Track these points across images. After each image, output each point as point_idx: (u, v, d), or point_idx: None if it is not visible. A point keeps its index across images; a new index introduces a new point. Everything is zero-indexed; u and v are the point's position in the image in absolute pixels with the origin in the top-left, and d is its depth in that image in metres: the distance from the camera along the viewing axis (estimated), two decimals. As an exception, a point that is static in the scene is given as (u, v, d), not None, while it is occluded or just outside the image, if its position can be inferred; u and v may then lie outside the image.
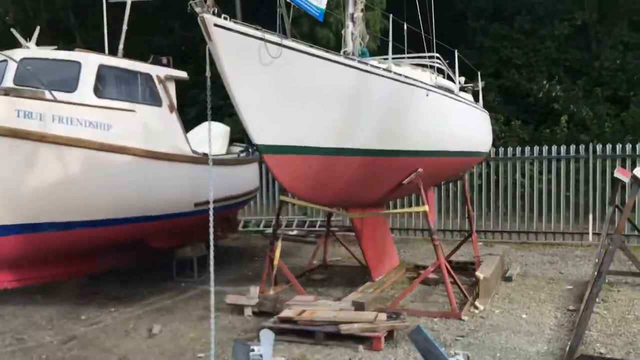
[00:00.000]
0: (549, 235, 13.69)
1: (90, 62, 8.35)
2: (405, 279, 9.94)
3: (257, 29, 5.25)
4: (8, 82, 8.06)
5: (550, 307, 8.15)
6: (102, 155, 7.93)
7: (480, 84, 11.87)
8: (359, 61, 6.34)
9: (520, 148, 14.44)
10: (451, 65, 10.58)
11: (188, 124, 13.55)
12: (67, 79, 8.23)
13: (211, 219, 5.93)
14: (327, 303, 7.59)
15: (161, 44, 22.79)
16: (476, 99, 11.53)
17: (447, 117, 8.21)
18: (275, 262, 8.50)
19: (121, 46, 10.21)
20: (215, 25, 4.93)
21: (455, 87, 9.70)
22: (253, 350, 5.60)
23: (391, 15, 7.41)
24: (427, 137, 7.75)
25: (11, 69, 8.19)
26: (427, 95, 7.30)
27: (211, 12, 4.92)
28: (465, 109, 8.94)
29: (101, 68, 8.42)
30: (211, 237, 5.97)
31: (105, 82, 8.46)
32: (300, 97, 5.79)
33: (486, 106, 22.85)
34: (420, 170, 7.82)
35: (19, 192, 7.28)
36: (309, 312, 7.16)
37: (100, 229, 8.45)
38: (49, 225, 7.80)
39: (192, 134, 13.11)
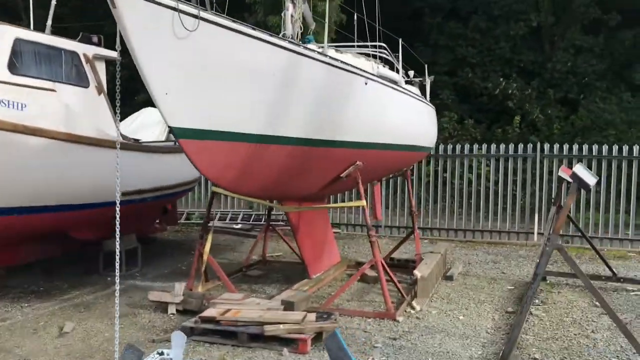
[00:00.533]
0: (494, 234, 13.55)
1: (4, 34, 7.64)
2: (346, 276, 9.57)
3: (170, -2, 4.73)
4: None
5: (489, 308, 7.88)
6: (14, 137, 7.24)
7: (429, 79, 11.60)
8: (289, 42, 5.87)
9: (469, 146, 14.25)
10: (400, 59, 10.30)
11: (137, 109, 12.92)
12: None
13: (118, 210, 5.36)
14: (255, 302, 7.12)
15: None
16: (424, 94, 11.24)
17: (389, 108, 7.83)
18: (205, 257, 7.99)
19: (49, 22, 9.50)
20: (120, -9, 4.40)
21: (399, 78, 9.36)
22: (162, 353, 5.15)
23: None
24: (366, 129, 7.36)
25: None
26: (365, 83, 6.89)
27: (116, -25, 4.39)
28: (409, 102, 8.59)
29: (18, 42, 7.71)
30: (117, 230, 5.40)
31: (22, 57, 7.74)
32: (222, 76, 5.29)
33: (440, 104, 22.89)
34: (359, 163, 7.44)
35: None
36: (233, 311, 6.69)
37: (14, 217, 7.77)
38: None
39: (129, 119, 12.48)
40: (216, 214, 15.77)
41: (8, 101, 7.21)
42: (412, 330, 6.83)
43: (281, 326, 6.26)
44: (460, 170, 14.04)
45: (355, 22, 10.75)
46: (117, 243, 5.44)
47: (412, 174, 14.27)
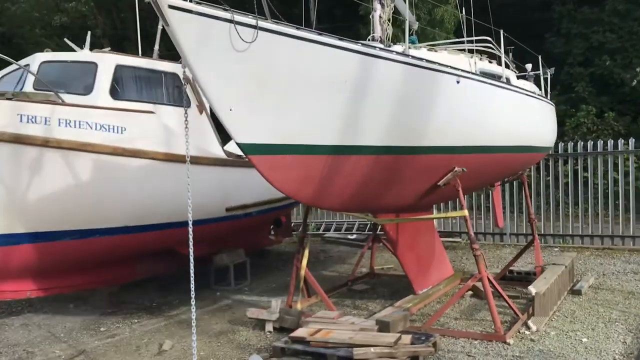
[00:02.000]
0: (638, 240, 11.97)
1: (106, 62, 8.02)
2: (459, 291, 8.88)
3: (225, 9, 4.54)
4: (28, 86, 7.88)
5: (620, 329, 6.85)
6: (115, 160, 7.53)
7: (549, 72, 10.54)
8: (362, 44, 5.46)
9: (612, 141, 12.70)
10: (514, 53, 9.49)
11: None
12: (83, 81, 7.95)
13: (190, 228, 5.28)
14: (349, 321, 6.75)
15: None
16: (544, 89, 10.24)
17: (491, 107, 7.10)
18: (302, 271, 7.76)
19: (156, 47, 9.92)
20: (171, 7, 4.28)
21: (509, 73, 8.55)
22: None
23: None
24: (463, 131, 6.71)
25: (31, 74, 8.00)
26: (457, 82, 6.27)
27: (166, -8, 4.28)
28: (518, 99, 7.75)
29: (118, 69, 8.06)
30: (191, 251, 5.32)
31: (123, 82, 8.09)
32: (288, 87, 5.02)
33: (575, 97, 21.08)
34: (458, 169, 6.81)
35: (26, 199, 7.01)
36: (324, 332, 6.35)
37: (122, 236, 8.09)
38: (65, 233, 7.51)
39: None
40: (332, 224, 15.64)
41: (108, 125, 7.51)
42: (523, 355, 6.07)
43: (371, 349, 5.82)
44: (603, 169, 12.59)
45: (462, 22, 10.07)
46: (190, 265, 5.36)
47: (548, 175, 13.13)
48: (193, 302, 5.22)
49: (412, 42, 9.63)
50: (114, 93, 7.99)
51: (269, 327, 7.38)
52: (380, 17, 7.28)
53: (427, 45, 8.22)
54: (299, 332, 6.41)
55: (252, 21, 4.66)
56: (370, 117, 5.67)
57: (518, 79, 9.25)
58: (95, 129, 7.40)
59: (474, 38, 8.20)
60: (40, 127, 6.92)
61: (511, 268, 9.35)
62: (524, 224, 13.26)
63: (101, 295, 9.48)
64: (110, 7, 28.06)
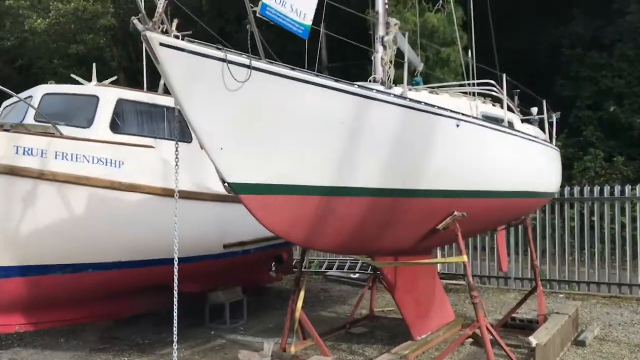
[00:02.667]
0: (647, 289, 11.67)
1: (108, 96, 8.03)
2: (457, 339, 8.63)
3: (218, 48, 4.51)
4: (29, 118, 7.89)
5: (625, 385, 6.59)
6: (112, 194, 7.47)
7: (554, 115, 10.46)
8: (359, 86, 5.41)
9: (619, 187, 12.47)
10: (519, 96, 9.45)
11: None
12: (84, 113, 7.96)
13: (176, 265, 5.17)
14: (341, 367, 6.54)
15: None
16: (549, 133, 10.14)
17: (493, 151, 6.99)
18: (297, 313, 7.56)
19: (162, 82, 9.94)
20: (162, 44, 4.25)
21: (512, 117, 8.47)
22: None
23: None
24: (463, 175, 6.59)
25: (30, 108, 8.02)
26: (457, 125, 6.19)
27: (158, 28, 4.25)
28: (521, 143, 7.65)
29: (120, 102, 8.07)
30: (175, 287, 5.20)
31: (124, 116, 8.08)
32: (281, 127, 4.94)
33: (583, 141, 20.94)
34: (457, 213, 6.67)
35: (19, 232, 6.94)
36: (315, 378, 6.17)
37: (116, 271, 7.96)
38: (57, 267, 7.40)
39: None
40: (334, 262, 15.43)
41: (106, 159, 7.47)
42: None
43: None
44: (610, 213, 12.36)
45: (467, 63, 10.06)
46: (174, 302, 5.22)
47: (554, 218, 12.91)
48: (175, 346, 5.00)
49: (417, 83, 9.62)
50: (115, 127, 7.98)
51: (260, 370, 7.17)
52: (382, 58, 7.24)
53: (428, 87, 8.16)
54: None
55: (246, 60, 4.62)
56: (366, 158, 5.57)
57: (522, 122, 9.16)
58: (93, 162, 7.35)
59: (476, 81, 8.15)
60: (36, 159, 6.89)
61: (514, 315, 9.09)
62: (529, 268, 13.00)
63: (94, 330, 9.34)
64: (126, 39, 28.55)
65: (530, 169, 7.98)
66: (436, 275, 8.84)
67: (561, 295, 12.01)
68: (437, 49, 19.70)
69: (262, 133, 4.90)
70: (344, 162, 5.45)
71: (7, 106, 8.71)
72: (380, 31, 7.39)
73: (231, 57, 4.55)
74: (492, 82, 8.25)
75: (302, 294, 7.66)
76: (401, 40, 8.14)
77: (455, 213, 6.67)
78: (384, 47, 7.29)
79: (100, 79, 9.35)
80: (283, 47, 16.11)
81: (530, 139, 7.81)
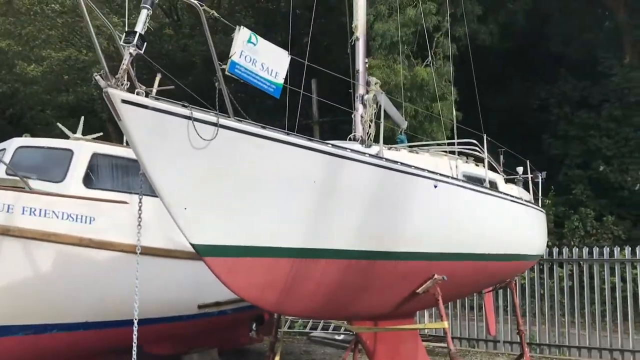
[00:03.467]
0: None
1: (83, 150, 7.87)
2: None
3: (184, 106, 4.36)
4: (1, 172, 7.68)
5: None
6: (81, 251, 7.20)
7: (540, 175, 10.36)
8: (333, 145, 5.25)
9: (608, 249, 12.18)
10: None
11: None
12: (57, 167, 7.76)
13: (135, 325, 4.89)
14: None
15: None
16: (536, 192, 10.01)
17: (472, 213, 6.82)
18: (272, 380, 7.19)
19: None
20: (124, 101, 4.09)
21: (496, 177, 8.34)
22: None
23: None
24: (442, 237, 6.39)
25: (6, 158, 7.84)
26: (435, 186, 6.03)
27: (121, 85, 4.11)
28: (504, 205, 7.49)
29: (95, 157, 7.90)
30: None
31: (98, 171, 7.89)
32: (251, 186, 4.75)
33: (573, 199, 20.85)
34: (437, 277, 6.44)
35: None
36: None
37: (83, 332, 7.60)
38: (18, 328, 7.05)
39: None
40: (319, 322, 14.97)
41: (76, 215, 7.23)
42: None
43: None
44: (601, 273, 12.07)
45: (454, 120, 10.02)
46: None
47: (544, 278, 12.60)
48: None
49: (401, 141, 9.53)
50: (88, 182, 7.78)
51: None
52: (361, 117, 7.15)
53: (409, 146, 8.04)
54: None
55: (213, 118, 4.46)
56: (340, 219, 5.37)
57: (507, 182, 9.03)
58: (62, 218, 7.11)
59: (458, 140, 8.06)
60: (2, 215, 6.64)
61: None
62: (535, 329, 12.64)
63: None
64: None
65: (512, 230, 7.78)
66: (418, 339, 8.49)
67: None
68: (427, 104, 19.85)
69: (229, 193, 4.70)
70: (317, 223, 5.24)
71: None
72: (360, 90, 7.33)
73: (197, 114, 4.39)
74: (473, 141, 8.15)
75: (277, 359, 7.31)
76: (381, 98, 8.09)
77: (436, 276, 6.44)
78: (364, 106, 7.19)
79: (89, 131, 9.20)
80: (275, 101, 16.09)
81: (512, 200, 7.65)
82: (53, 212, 7.03)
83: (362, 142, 6.80)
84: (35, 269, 6.94)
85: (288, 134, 4.91)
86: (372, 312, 6.64)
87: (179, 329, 8.75)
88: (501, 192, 7.59)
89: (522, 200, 8.23)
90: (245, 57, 4.58)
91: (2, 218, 6.64)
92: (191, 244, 4.71)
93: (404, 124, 10.29)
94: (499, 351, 12.70)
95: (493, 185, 8.10)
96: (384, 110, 9.12)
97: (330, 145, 5.18)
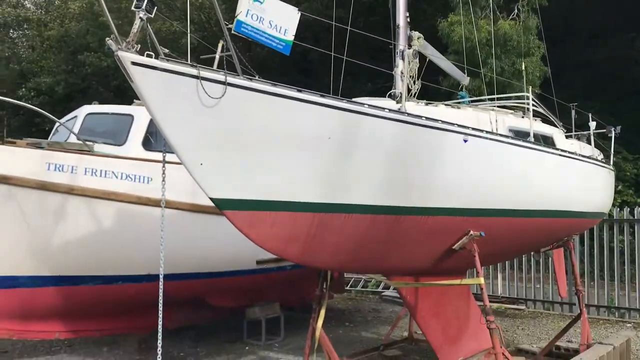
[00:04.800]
0: None
1: (142, 115, 8.37)
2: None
3: (193, 66, 4.57)
4: (72, 137, 8.36)
5: None
6: (140, 209, 7.73)
7: (614, 130, 9.74)
8: (348, 101, 5.27)
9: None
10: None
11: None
12: (119, 132, 8.34)
13: (161, 279, 5.26)
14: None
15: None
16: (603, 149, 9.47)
17: (514, 167, 6.58)
18: (317, 332, 7.43)
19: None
20: (134, 63, 4.36)
21: (552, 132, 7.98)
22: None
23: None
24: (477, 193, 6.24)
25: (77, 125, 8.52)
26: (465, 141, 5.88)
27: (132, 48, 4.37)
28: (551, 159, 7.15)
29: (153, 121, 8.37)
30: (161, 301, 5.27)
31: (157, 134, 8.37)
32: (265, 142, 4.91)
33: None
34: (473, 233, 6.35)
35: (51, 244, 7.33)
36: (315, 398, 6.04)
37: (146, 284, 8.20)
38: (88, 278, 7.75)
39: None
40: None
41: (135, 175, 7.76)
42: None
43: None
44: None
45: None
46: (159, 317, 5.27)
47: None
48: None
49: (462, 97, 9.32)
50: (147, 144, 8.30)
51: (277, 387, 7.13)
52: (401, 72, 7.07)
53: (454, 103, 7.82)
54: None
55: (221, 77, 4.64)
56: (360, 175, 5.41)
57: (568, 138, 8.60)
58: (121, 178, 7.66)
59: (512, 95, 7.75)
60: (67, 176, 7.27)
61: (558, 343, 8.48)
62: (603, 292, 12.14)
63: (134, 342, 9.65)
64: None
65: (563, 186, 7.43)
66: (471, 298, 8.42)
67: (629, 325, 11.07)
68: (512, 60, 19.01)
69: (243, 149, 4.89)
70: (336, 179, 5.33)
71: (58, 126, 9.29)
72: (401, 44, 7.21)
73: (205, 73, 4.59)
74: (528, 94, 7.81)
75: (322, 312, 7.51)
76: (432, 51, 7.94)
77: (472, 232, 6.35)
78: (404, 60, 7.10)
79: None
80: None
81: (562, 155, 7.29)
82: (113, 172, 7.60)
83: (395, 98, 6.73)
84: (98, 225, 7.56)
85: (300, 91, 5.00)
86: (408, 267, 6.67)
87: (239, 283, 9.21)
88: (550, 147, 7.25)
89: (578, 155, 7.81)
90: (252, 15, 4.70)
91: (67, 178, 7.27)
92: (210, 198, 4.96)
93: (465, 80, 10.04)
94: (575, 313, 12.26)
95: (546, 140, 7.77)
96: (441, 66, 8.96)
97: (345, 101, 5.21)
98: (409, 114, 5.59)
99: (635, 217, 11.76)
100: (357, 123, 5.27)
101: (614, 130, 9.77)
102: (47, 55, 32.92)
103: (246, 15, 4.68)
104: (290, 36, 4.92)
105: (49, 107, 26.53)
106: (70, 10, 32.81)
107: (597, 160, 8.65)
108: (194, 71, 4.57)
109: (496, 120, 6.75)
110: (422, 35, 7.38)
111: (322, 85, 7.05)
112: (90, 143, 8.07)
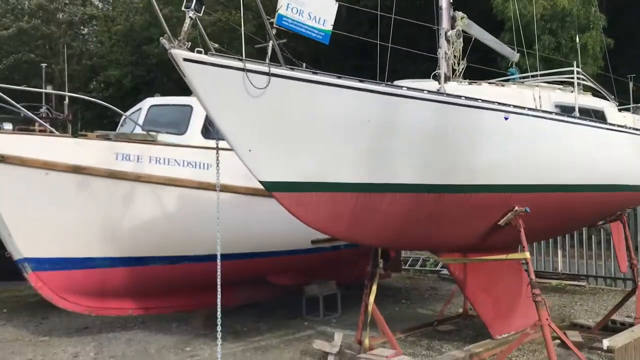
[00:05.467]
0: None
1: (200, 105, 8.85)
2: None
3: (239, 59, 4.93)
4: (137, 127, 8.99)
5: None
6: (201, 193, 8.25)
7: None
8: (386, 84, 5.51)
9: None
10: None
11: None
12: (180, 122, 8.87)
13: (219, 256, 5.69)
14: (399, 360, 6.66)
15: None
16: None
17: (559, 143, 6.64)
18: (370, 307, 7.77)
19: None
20: (185, 59, 4.77)
21: (603, 106, 7.93)
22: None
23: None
24: (519, 169, 6.36)
25: (142, 116, 9.13)
26: (506, 118, 6.01)
27: (183, 45, 4.78)
28: (600, 134, 7.13)
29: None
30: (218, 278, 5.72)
31: (215, 123, 8.86)
32: (307, 128, 5.24)
33: None
34: (518, 209, 6.49)
35: (120, 227, 7.97)
36: (364, 369, 6.41)
37: (209, 263, 8.75)
38: (155, 259, 8.37)
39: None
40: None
41: (195, 162, 8.29)
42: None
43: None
44: None
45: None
46: (217, 299, 5.72)
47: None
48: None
49: (512, 74, 9.35)
50: (206, 133, 8.79)
51: (331, 359, 7.51)
52: (445, 53, 7.22)
53: (498, 80, 7.86)
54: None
55: (265, 68, 4.99)
56: (401, 155, 5.67)
57: (621, 111, 8.49)
58: (183, 165, 8.20)
59: (558, 70, 7.74)
60: (133, 164, 7.86)
61: (614, 318, 8.49)
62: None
63: (202, 318, 10.28)
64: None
65: (612, 160, 7.40)
66: (523, 274, 8.53)
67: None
68: (571, 35, 18.50)
69: (288, 134, 5.25)
70: (378, 160, 5.61)
71: (124, 118, 9.95)
72: (444, 25, 7.35)
73: (250, 66, 4.95)
74: (578, 69, 7.78)
75: (374, 288, 7.84)
76: (477, 31, 8.03)
77: (517, 208, 6.49)
78: (448, 42, 7.24)
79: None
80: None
81: (611, 128, 7.26)
82: (175, 160, 8.15)
83: (438, 78, 6.88)
84: (163, 209, 8.14)
85: (339, 77, 5.29)
86: (455, 244, 6.89)
87: (296, 262, 9.65)
88: (599, 120, 7.23)
89: (629, 128, 7.71)
90: (292, 8, 5.02)
91: (133, 167, 7.87)
92: (259, 181, 5.36)
93: (515, 57, 10.01)
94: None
95: (597, 114, 7.73)
96: (488, 44, 8.99)
97: (383, 85, 5.47)
98: (447, 94, 5.78)
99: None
100: (396, 105, 5.52)
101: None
102: (114, 49, 34.47)
103: (287, 9, 5.00)
104: (329, 26, 5.22)
105: (118, 99, 27.90)
106: (135, 5, 34.20)
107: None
108: (239, 64, 4.95)
109: (539, 97, 6.81)
110: (465, 15, 7.48)
111: (383, 68, 7.29)
112: (154, 133, 8.65)
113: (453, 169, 6.00)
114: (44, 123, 8.65)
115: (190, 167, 8.27)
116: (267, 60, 5.07)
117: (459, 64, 7.60)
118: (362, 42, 9.48)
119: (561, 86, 8.22)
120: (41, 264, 7.85)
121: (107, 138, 8.00)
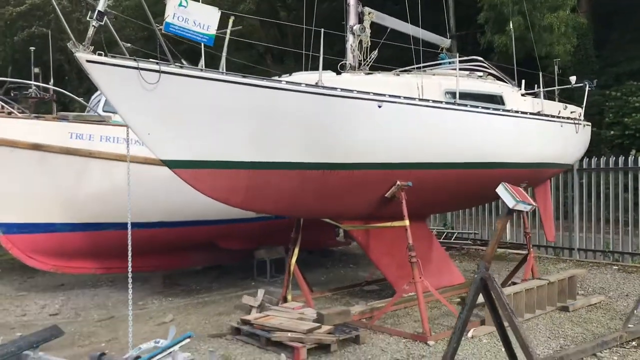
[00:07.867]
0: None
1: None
2: (458, 298, 9.31)
3: (134, 59, 5.99)
4: (100, 109, 10.16)
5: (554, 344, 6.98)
6: (146, 168, 9.39)
7: (587, 84, 10.32)
8: (267, 79, 6.52)
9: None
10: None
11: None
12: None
13: (130, 227, 6.81)
14: (298, 312, 7.78)
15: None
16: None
17: (436, 126, 7.60)
18: (291, 268, 8.90)
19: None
20: (88, 61, 5.84)
21: (503, 91, 8.86)
22: (158, 341, 6.38)
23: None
24: (400, 149, 7.36)
25: (102, 100, 10.30)
26: (379, 106, 6.99)
27: (87, 49, 5.84)
28: (481, 117, 8.06)
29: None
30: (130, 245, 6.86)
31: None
32: (195, 116, 6.29)
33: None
34: (400, 183, 7.53)
35: (75, 197, 9.19)
36: (266, 317, 7.55)
37: (159, 229, 9.99)
38: (108, 225, 9.59)
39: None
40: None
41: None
42: (427, 356, 6.65)
43: (288, 334, 6.90)
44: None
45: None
46: (129, 267, 6.87)
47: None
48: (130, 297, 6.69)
49: (442, 58, 10.26)
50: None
51: (254, 312, 8.68)
52: (351, 45, 8.18)
53: (401, 70, 8.66)
54: (249, 316, 7.69)
55: (155, 66, 6.06)
56: (285, 137, 6.71)
57: (524, 95, 9.36)
58: (131, 143, 9.33)
59: (461, 58, 8.61)
60: (86, 142, 9.05)
61: (513, 280, 9.52)
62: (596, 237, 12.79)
63: (161, 278, 11.57)
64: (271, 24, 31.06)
65: (489, 139, 8.28)
66: (433, 239, 9.58)
67: (615, 267, 11.73)
68: (543, 14, 19.06)
69: (180, 121, 6.33)
70: (265, 142, 6.66)
71: (93, 99, 11.12)
72: (351, 21, 8.28)
73: (142, 64, 6.02)
74: (479, 58, 8.67)
75: (296, 251, 8.93)
76: (392, 22, 8.93)
77: (399, 183, 7.51)
78: (354, 35, 8.19)
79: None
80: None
81: (485, 112, 8.15)
82: (123, 138, 9.28)
83: (344, 69, 7.79)
84: (114, 182, 9.31)
85: (224, 73, 6.34)
86: (351, 213, 7.94)
87: (244, 229, 10.82)
88: (474, 106, 8.05)
89: (517, 113, 8.57)
90: (178, 17, 6.05)
91: (86, 144, 9.06)
92: (161, 160, 6.47)
93: (445, 43, 10.89)
94: (573, 258, 12.99)
95: (493, 99, 8.64)
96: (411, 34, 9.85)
97: (264, 80, 6.50)
98: (324, 87, 6.78)
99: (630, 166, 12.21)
100: (276, 97, 6.55)
101: (588, 84, 10.34)
102: (125, 24, 35.56)
103: (173, 18, 6.04)
104: (212, 30, 6.24)
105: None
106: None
107: (552, 116, 9.33)
108: (134, 63, 6.01)
109: (422, 85, 7.69)
110: (373, 11, 8.40)
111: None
112: (112, 114, 9.80)
113: (333, 149, 7.02)
114: (7, 106, 9.69)
115: (138, 144, 9.38)
116: (158, 60, 6.13)
117: (364, 55, 8.54)
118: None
119: (468, 73, 9.10)
120: (10, 228, 9.14)
121: (64, 119, 9.19)
